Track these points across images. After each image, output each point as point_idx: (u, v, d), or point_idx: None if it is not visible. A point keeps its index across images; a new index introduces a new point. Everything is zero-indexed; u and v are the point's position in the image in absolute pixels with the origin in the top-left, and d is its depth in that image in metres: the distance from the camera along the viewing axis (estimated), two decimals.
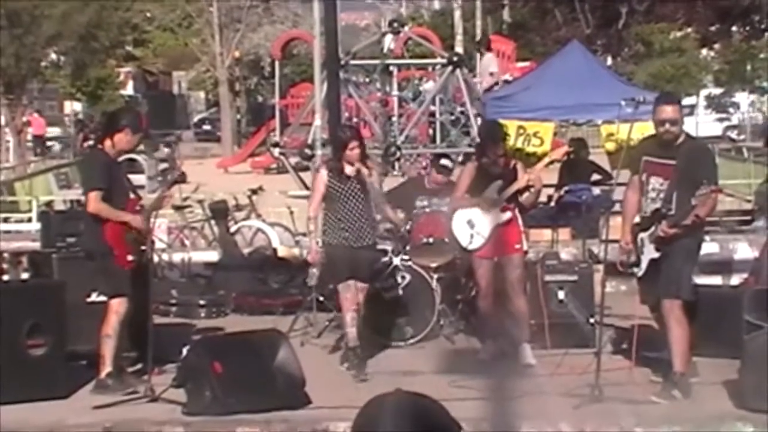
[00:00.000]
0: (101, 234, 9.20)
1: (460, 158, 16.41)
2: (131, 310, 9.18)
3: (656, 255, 8.90)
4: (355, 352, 9.88)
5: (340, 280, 10.01)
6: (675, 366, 8.86)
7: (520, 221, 10.29)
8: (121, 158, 9.66)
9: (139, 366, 9.45)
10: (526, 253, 10.43)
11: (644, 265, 9.02)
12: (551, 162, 11.12)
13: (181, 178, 10.18)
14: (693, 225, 8.78)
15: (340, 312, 10.98)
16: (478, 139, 12.06)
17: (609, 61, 41.69)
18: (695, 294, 9.35)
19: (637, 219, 9.14)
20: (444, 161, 12.48)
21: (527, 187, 10.12)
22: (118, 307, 9.14)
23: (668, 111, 8.86)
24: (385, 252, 11.23)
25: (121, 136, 9.36)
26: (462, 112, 19.74)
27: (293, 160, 17.81)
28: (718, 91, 48.56)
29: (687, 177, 8.75)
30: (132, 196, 9.49)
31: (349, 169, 9.92)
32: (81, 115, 50.21)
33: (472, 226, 10.21)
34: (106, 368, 9.10)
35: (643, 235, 9.01)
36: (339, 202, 9.92)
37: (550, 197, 16.23)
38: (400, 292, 11.02)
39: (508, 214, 10.14)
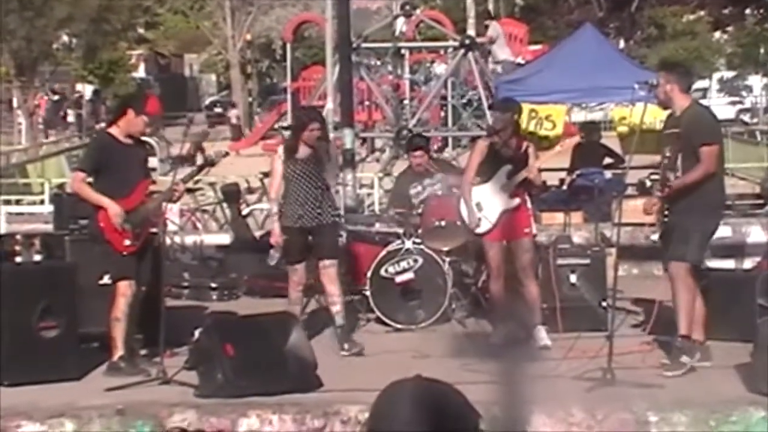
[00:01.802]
0: (95, 219, 9.21)
1: (463, 142, 16.43)
2: (138, 291, 9.20)
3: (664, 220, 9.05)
4: None
5: (289, 262, 10.23)
6: (680, 329, 8.86)
7: (529, 204, 10.28)
8: (137, 140, 9.54)
9: (148, 349, 9.46)
10: (535, 236, 10.43)
11: (659, 230, 9.22)
12: (562, 150, 11.10)
13: (210, 162, 10.16)
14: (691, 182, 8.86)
15: (352, 294, 11.02)
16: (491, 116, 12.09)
17: (621, 44, 41.59)
18: (702, 260, 9.33)
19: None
20: (418, 141, 12.69)
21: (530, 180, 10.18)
22: (124, 289, 9.14)
23: (665, 76, 9.10)
24: (391, 234, 11.29)
25: (124, 118, 9.35)
26: (474, 95, 19.72)
27: None
28: (731, 74, 48.48)
29: (687, 143, 8.91)
30: (145, 179, 9.47)
31: (302, 152, 10.02)
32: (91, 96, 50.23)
33: (480, 209, 10.20)
34: (118, 351, 9.11)
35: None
36: (293, 183, 10.02)
37: (562, 180, 16.22)
38: (412, 275, 11.01)
39: (517, 200, 10.13)
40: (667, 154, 9.11)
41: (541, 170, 10.72)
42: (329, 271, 10.03)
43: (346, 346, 9.91)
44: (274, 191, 10.22)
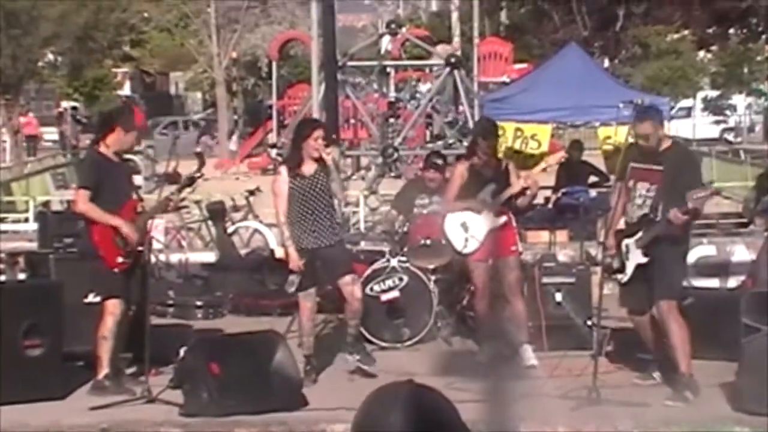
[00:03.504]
0: (90, 235, 9.17)
1: (449, 160, 16.43)
2: (127, 310, 9.16)
3: (644, 260, 8.92)
4: (309, 360, 9.71)
5: (302, 287, 9.68)
6: (681, 367, 8.86)
7: (514, 223, 10.28)
8: (122, 158, 9.53)
9: (135, 368, 9.42)
10: (521, 254, 10.43)
11: (630, 270, 9.05)
12: (547, 167, 11.11)
13: (189, 181, 10.01)
14: (694, 217, 8.88)
15: (337, 312, 10.99)
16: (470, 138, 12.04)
17: (606, 63, 41.67)
18: (684, 296, 9.36)
19: (621, 225, 9.19)
20: (435, 159, 12.35)
21: (523, 191, 10.10)
22: (112, 308, 9.11)
23: (640, 127, 8.96)
24: (377, 253, 11.25)
25: (113, 136, 9.29)
26: (459, 114, 19.75)
27: None
28: (715, 93, 48.62)
29: (673, 184, 8.84)
30: (134, 197, 9.44)
31: (307, 167, 9.56)
32: (78, 115, 50.11)
33: (466, 229, 10.20)
34: (104, 370, 9.08)
35: (628, 241, 9.04)
36: (299, 201, 9.53)
37: (547, 199, 16.25)
38: (398, 293, 11.00)
39: (503, 218, 10.13)
40: (644, 192, 8.98)
41: (541, 187, 10.70)
42: (354, 288, 9.59)
43: (357, 357, 9.81)
44: (283, 214, 9.58)
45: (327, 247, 9.55)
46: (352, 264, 10.03)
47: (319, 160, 9.54)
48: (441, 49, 20.64)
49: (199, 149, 38.22)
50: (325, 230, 9.55)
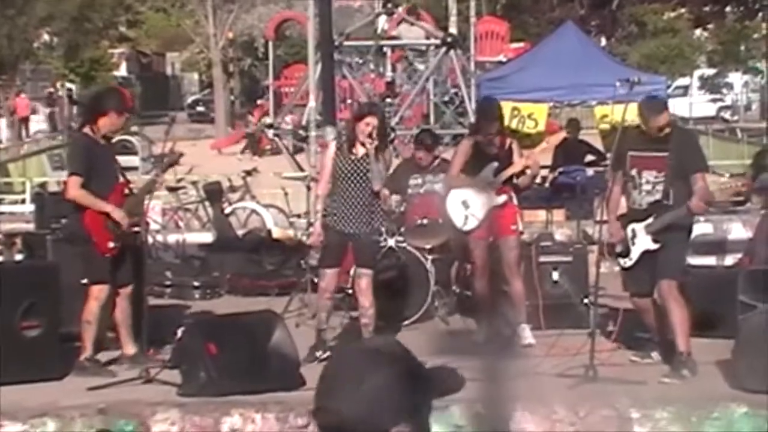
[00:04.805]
0: (80, 220, 9.15)
1: (446, 140, 16.42)
2: (122, 289, 9.17)
3: (654, 246, 8.94)
4: (320, 334, 9.68)
5: (322, 265, 9.76)
6: (680, 346, 8.88)
7: (515, 202, 10.28)
8: (109, 140, 9.51)
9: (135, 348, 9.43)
10: (521, 234, 10.43)
11: (635, 255, 9.06)
12: (549, 146, 11.12)
13: (174, 160, 10.04)
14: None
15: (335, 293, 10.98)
16: (474, 118, 12.02)
17: (603, 42, 41.64)
18: (686, 275, 9.39)
19: (623, 210, 9.20)
20: (425, 137, 12.30)
21: (524, 170, 10.10)
22: (98, 293, 9.08)
23: (658, 120, 8.94)
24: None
25: (105, 119, 9.22)
26: (456, 93, 19.74)
27: (286, 141, 17.80)
28: (711, 71, 48.63)
29: (680, 167, 8.89)
30: (121, 180, 9.38)
31: (358, 150, 9.50)
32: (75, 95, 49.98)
33: (466, 206, 10.19)
34: (86, 352, 9.10)
35: (636, 226, 9.03)
36: (343, 182, 9.52)
37: (544, 178, 16.26)
38: (395, 273, 11.00)
39: (503, 197, 10.12)
40: (651, 179, 9.03)
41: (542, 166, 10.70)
42: (362, 281, 9.59)
43: None
44: (321, 187, 9.72)
45: (355, 234, 9.52)
46: (374, 261, 9.88)
47: (370, 146, 9.41)
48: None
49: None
50: (358, 216, 9.51)
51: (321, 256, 9.80)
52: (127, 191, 9.34)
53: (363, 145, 9.44)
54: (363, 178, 9.48)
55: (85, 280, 9.28)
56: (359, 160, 9.48)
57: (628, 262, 9.15)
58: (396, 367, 2.69)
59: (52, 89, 46.61)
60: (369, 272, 9.64)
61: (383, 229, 11.10)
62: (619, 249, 9.15)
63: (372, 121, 9.44)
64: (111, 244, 9.10)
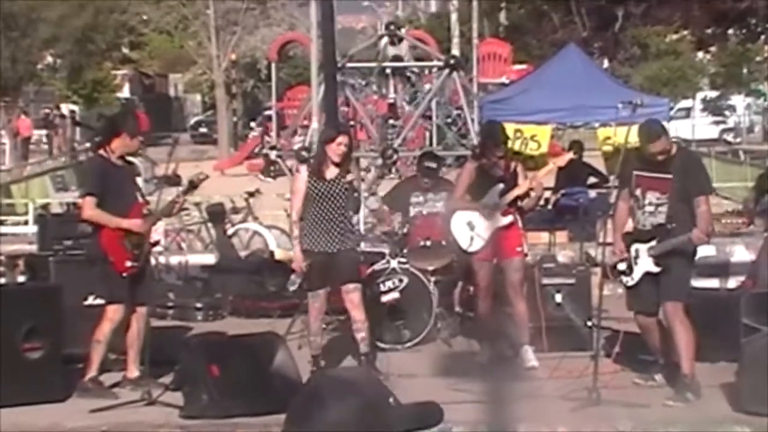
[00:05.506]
0: (98, 240, 9.17)
1: (448, 161, 16.41)
2: (129, 316, 9.17)
3: (655, 269, 8.93)
4: (317, 360, 9.68)
5: (311, 287, 9.74)
6: (684, 369, 8.86)
7: (520, 224, 10.28)
8: (129, 162, 9.55)
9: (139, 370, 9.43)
10: (526, 255, 10.42)
11: (637, 275, 9.05)
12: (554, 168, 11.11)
13: (199, 181, 9.91)
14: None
15: (337, 314, 10.97)
16: (476, 141, 12.01)
17: (605, 64, 41.69)
18: (691, 297, 9.37)
19: (628, 229, 9.19)
20: (428, 162, 12.26)
21: (528, 192, 10.11)
22: (113, 314, 9.11)
23: (654, 146, 8.92)
24: (377, 254, 11.24)
25: (118, 141, 9.31)
26: (458, 115, 19.74)
27: (290, 162, 17.80)
28: (714, 94, 48.59)
29: (684, 189, 8.90)
30: (140, 200, 9.41)
31: (330, 172, 9.60)
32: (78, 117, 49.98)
33: (472, 228, 10.20)
34: (91, 372, 9.10)
35: (639, 246, 9.03)
36: (316, 204, 9.58)
37: (547, 200, 16.25)
38: (398, 294, 11.00)
39: (509, 218, 10.13)
40: (654, 200, 9.02)
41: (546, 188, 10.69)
42: (353, 296, 9.62)
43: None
44: (296, 212, 9.70)
45: (336, 253, 9.57)
46: (358, 273, 9.97)
47: (341, 166, 9.56)
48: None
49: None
50: (337, 235, 9.57)
51: (308, 279, 9.79)
52: (146, 211, 9.37)
53: (336, 165, 9.54)
54: (336, 199, 9.57)
55: (91, 301, 9.29)
56: (331, 182, 9.57)
57: (630, 281, 9.15)
58: (361, 400, 2.72)
59: (48, 110, 46.32)
60: (357, 285, 9.69)
61: (382, 249, 11.14)
62: (622, 267, 9.15)
63: (344, 140, 9.59)
64: (129, 263, 9.11)
